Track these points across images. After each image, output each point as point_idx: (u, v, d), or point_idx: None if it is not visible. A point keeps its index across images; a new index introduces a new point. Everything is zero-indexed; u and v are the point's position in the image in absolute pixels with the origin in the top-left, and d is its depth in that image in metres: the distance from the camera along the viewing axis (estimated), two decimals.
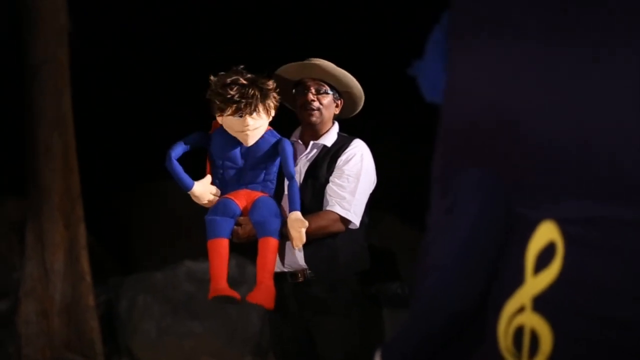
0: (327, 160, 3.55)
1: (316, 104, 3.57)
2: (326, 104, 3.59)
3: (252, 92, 3.39)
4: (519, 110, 1.41)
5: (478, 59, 1.48)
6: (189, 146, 3.50)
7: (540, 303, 1.38)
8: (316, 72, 3.58)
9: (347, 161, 3.51)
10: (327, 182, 3.50)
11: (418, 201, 2.93)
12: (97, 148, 8.60)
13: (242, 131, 3.43)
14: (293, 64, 3.60)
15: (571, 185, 1.37)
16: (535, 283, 1.39)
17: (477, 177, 1.50)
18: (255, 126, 3.44)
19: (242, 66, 3.47)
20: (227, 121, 3.44)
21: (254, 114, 3.41)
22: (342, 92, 3.65)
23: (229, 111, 3.41)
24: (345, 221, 3.46)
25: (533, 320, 1.39)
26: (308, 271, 3.50)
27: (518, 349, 1.41)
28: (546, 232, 1.39)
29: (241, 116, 3.40)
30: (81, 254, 6.48)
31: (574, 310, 1.36)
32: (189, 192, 3.50)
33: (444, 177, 1.56)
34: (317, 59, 3.61)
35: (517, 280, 1.42)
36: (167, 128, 9.04)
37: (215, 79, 3.45)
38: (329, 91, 3.59)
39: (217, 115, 3.47)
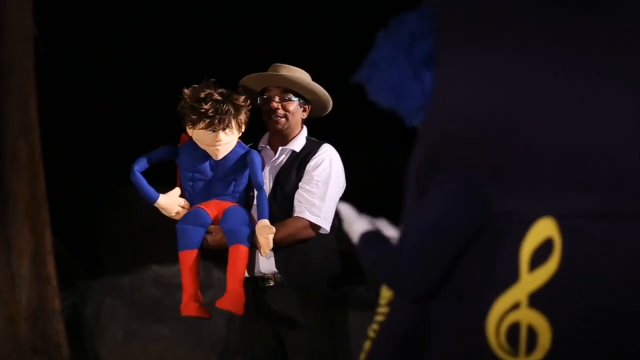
0: (296, 165, 3.55)
1: (281, 111, 3.57)
2: (292, 110, 3.59)
3: (226, 108, 3.39)
4: (511, 112, 1.42)
5: (467, 64, 1.49)
6: (152, 160, 3.51)
7: (538, 299, 1.39)
8: (279, 81, 3.57)
9: (317, 166, 3.52)
10: (297, 187, 3.51)
11: (385, 205, 2.97)
12: (63, 153, 8.56)
13: (213, 146, 3.44)
14: (256, 74, 3.59)
15: (570, 181, 1.38)
16: (532, 279, 1.40)
17: (455, 174, 1.51)
18: (227, 141, 3.45)
19: (212, 79, 3.47)
20: (199, 134, 3.45)
21: (227, 130, 3.43)
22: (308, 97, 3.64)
23: (201, 125, 3.41)
24: (315, 227, 3.48)
25: (530, 317, 1.39)
26: (278, 275, 3.52)
27: (513, 345, 1.41)
28: (543, 229, 1.40)
29: (214, 131, 3.41)
30: (47, 258, 6.44)
31: (574, 304, 1.37)
32: (154, 204, 3.52)
33: (424, 179, 1.56)
34: (281, 65, 3.61)
35: (509, 277, 1.42)
36: (134, 133, 9.05)
37: (189, 92, 3.45)
38: (294, 98, 3.59)
39: (187, 127, 3.47)
